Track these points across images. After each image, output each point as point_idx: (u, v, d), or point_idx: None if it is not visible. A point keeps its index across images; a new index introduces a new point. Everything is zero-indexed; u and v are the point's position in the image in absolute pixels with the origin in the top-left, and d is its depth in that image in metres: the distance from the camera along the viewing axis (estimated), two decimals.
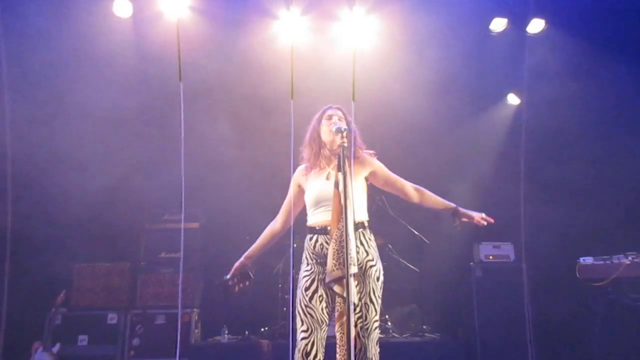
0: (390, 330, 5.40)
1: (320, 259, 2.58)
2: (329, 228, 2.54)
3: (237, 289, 2.73)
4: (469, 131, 5.99)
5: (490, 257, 5.41)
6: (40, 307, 5.29)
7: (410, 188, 2.82)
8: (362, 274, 2.57)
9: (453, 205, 2.88)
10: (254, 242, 2.90)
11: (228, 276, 2.68)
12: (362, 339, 2.49)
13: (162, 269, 5.61)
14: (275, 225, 2.79)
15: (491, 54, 5.47)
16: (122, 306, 5.50)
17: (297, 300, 2.60)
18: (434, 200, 2.86)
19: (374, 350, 2.52)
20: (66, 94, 5.23)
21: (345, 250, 2.24)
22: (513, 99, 6.18)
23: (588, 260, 4.69)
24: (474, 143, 5.94)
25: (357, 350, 2.49)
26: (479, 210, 5.61)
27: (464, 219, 2.84)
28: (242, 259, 2.76)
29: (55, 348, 5.14)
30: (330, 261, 2.46)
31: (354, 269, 2.40)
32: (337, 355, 2.40)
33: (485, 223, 2.91)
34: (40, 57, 4.91)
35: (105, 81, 5.12)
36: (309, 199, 2.71)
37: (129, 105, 5.16)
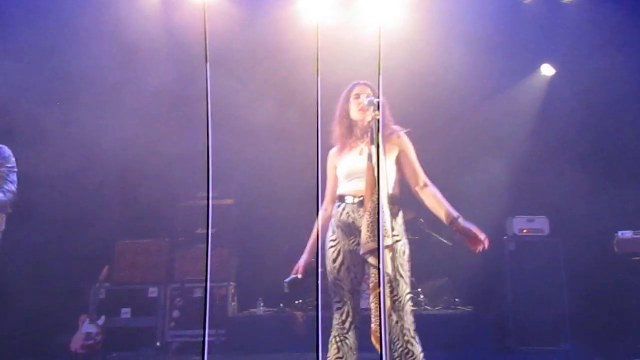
0: (423, 303, 5.45)
1: (346, 228, 2.62)
2: (356, 199, 2.58)
3: (305, 284, 2.80)
4: (501, 104, 5.88)
5: (524, 231, 5.36)
6: (85, 282, 5.56)
7: (420, 183, 2.73)
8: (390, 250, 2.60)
9: (455, 214, 2.67)
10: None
11: (299, 275, 2.74)
12: (398, 312, 2.54)
13: (198, 244, 5.79)
14: (326, 213, 2.81)
15: (524, 23, 5.33)
16: (162, 280, 5.72)
17: (327, 272, 2.66)
18: (437, 205, 2.71)
19: (409, 322, 2.57)
20: (98, 78, 5.35)
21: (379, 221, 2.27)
22: (547, 70, 6.02)
23: (627, 234, 4.60)
24: (506, 116, 5.84)
25: (391, 322, 2.54)
26: (513, 186, 5.60)
27: (461, 234, 2.66)
28: (305, 256, 2.79)
29: (101, 320, 5.40)
30: (364, 233, 2.50)
31: (388, 241, 2.45)
32: (372, 325, 2.46)
33: (479, 249, 2.64)
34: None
35: (134, 63, 5.22)
36: (341, 172, 2.74)
37: (158, 83, 5.26)
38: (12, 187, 3.13)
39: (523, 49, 5.60)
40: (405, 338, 2.54)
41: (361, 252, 2.53)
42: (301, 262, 2.78)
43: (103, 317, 5.41)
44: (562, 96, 5.81)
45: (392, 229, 2.61)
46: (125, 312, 5.59)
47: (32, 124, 5.00)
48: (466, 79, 5.49)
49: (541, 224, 5.36)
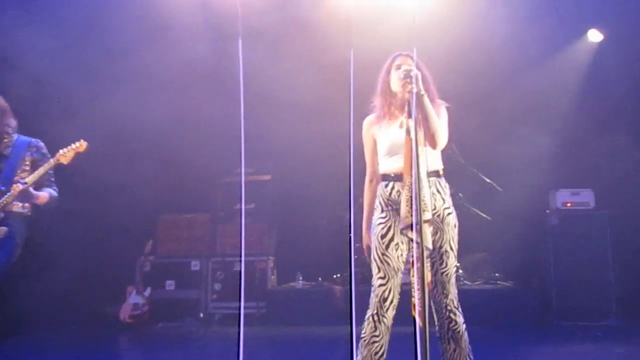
0: (462, 278, 5.41)
1: (396, 206, 2.60)
2: (403, 175, 2.56)
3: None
4: (545, 72, 5.64)
5: (568, 204, 5.20)
6: (131, 255, 5.79)
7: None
8: (441, 222, 2.58)
9: None
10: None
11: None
12: (444, 284, 2.56)
13: (238, 219, 5.90)
14: (372, 185, 2.80)
15: None
16: (204, 254, 5.88)
17: (373, 247, 2.64)
18: None
19: (454, 293, 2.59)
20: (136, 51, 5.39)
21: (418, 196, 2.25)
22: (594, 36, 5.72)
23: None
24: (550, 85, 5.61)
25: (436, 293, 2.57)
26: (557, 158, 5.41)
27: None
28: (365, 233, 2.78)
29: (147, 292, 5.63)
30: (403, 208, 2.50)
31: (427, 215, 2.43)
32: (413, 300, 2.47)
33: None
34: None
35: (169, 37, 5.23)
36: (382, 147, 2.71)
37: (195, 61, 5.29)
38: (57, 189, 3.25)
39: (568, 14, 5.32)
40: (449, 308, 2.56)
41: (400, 226, 2.52)
42: (368, 241, 2.73)
43: (149, 289, 5.65)
44: (610, 64, 5.52)
45: (443, 201, 2.59)
46: (170, 285, 5.80)
47: (67, 97, 5.10)
48: (508, 46, 5.28)
49: (587, 197, 5.20)
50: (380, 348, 2.56)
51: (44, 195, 3.12)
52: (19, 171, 3.07)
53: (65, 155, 3.12)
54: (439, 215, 2.58)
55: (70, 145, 3.15)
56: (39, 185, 3.13)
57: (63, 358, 4.31)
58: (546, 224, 5.20)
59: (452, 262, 2.59)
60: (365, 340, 2.57)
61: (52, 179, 3.22)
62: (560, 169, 5.48)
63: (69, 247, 5.42)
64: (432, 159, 2.60)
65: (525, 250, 5.56)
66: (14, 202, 3.05)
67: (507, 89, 5.66)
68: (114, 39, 5.23)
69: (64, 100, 5.00)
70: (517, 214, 5.56)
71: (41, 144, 3.23)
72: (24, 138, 3.19)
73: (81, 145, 3.17)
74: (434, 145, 2.59)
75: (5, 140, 3.14)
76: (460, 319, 2.57)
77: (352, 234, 2.65)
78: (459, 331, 2.55)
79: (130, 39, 5.28)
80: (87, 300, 5.54)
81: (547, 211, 5.26)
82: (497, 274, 5.55)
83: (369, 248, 2.74)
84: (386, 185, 2.66)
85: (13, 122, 3.20)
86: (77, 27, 5.05)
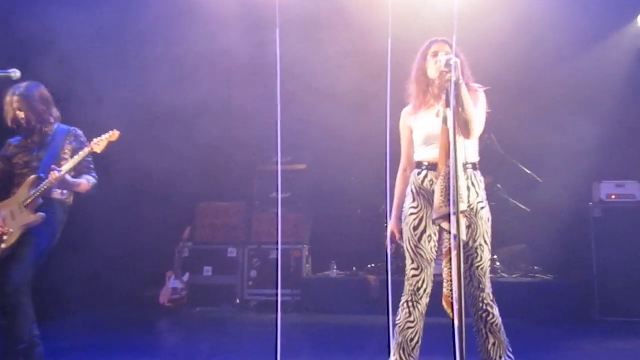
0: (499, 270, 5.32)
1: (428, 195, 2.57)
2: (438, 165, 2.52)
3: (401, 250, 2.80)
4: (592, 59, 5.42)
5: (613, 197, 5.02)
6: (171, 241, 5.93)
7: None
8: (475, 216, 2.54)
9: None
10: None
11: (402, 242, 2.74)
12: (480, 278, 2.52)
13: (273, 208, 5.96)
14: (405, 174, 2.77)
15: None
16: (240, 242, 5.98)
17: (406, 239, 2.62)
18: None
19: (489, 287, 2.55)
20: (172, 37, 5.44)
21: (455, 187, 2.22)
22: None
23: None
24: (597, 72, 5.39)
25: (472, 288, 2.53)
26: (602, 149, 5.22)
27: None
28: (394, 220, 2.75)
29: (185, 277, 5.77)
30: (437, 198, 2.46)
31: (463, 206, 2.40)
32: (444, 290, 2.45)
33: None
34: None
35: (206, 28, 5.27)
36: (418, 136, 2.67)
37: (232, 49, 5.31)
38: (96, 176, 3.31)
39: None
40: (486, 302, 2.53)
41: (434, 217, 2.50)
42: (394, 228, 2.71)
43: (187, 274, 5.79)
44: None
45: (477, 195, 2.55)
46: (207, 271, 5.93)
47: (103, 84, 5.17)
48: (553, 31, 5.10)
49: (632, 189, 5.01)
50: (415, 335, 2.56)
51: (83, 182, 3.19)
52: (59, 159, 3.14)
53: (99, 144, 3.16)
54: (472, 209, 2.53)
55: (103, 134, 3.19)
56: (78, 172, 3.20)
57: (106, 339, 4.47)
58: (589, 217, 5.04)
59: (487, 256, 2.55)
60: (400, 327, 2.57)
61: (92, 167, 3.28)
62: (605, 159, 5.28)
63: (110, 233, 5.60)
64: (469, 151, 2.56)
65: (567, 244, 5.40)
66: (54, 190, 3.13)
67: (551, 77, 5.48)
68: (146, 25, 5.26)
69: (100, 87, 5.07)
70: (558, 206, 5.41)
71: (79, 132, 3.29)
72: (63, 127, 3.26)
73: (114, 134, 3.21)
74: (467, 134, 2.51)
75: (47, 129, 3.22)
76: (496, 311, 2.54)
77: (388, 224, 2.62)
78: (496, 324, 2.53)
79: (166, 25, 5.32)
80: (128, 284, 5.73)
81: (590, 203, 5.09)
82: (536, 267, 5.42)
83: (393, 234, 2.72)
84: (419, 173, 2.62)
85: (56, 113, 3.28)
86: (111, 12, 5.08)
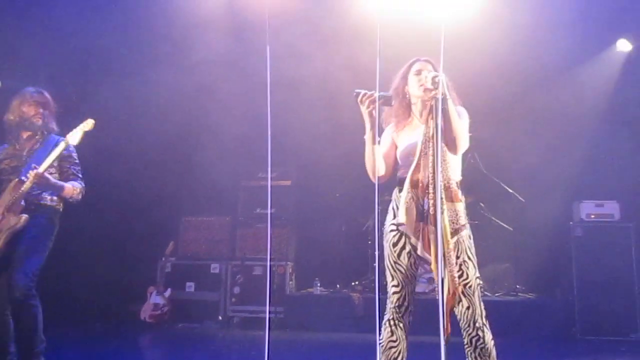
0: (482, 289, 5.33)
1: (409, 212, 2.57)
2: (419, 180, 2.51)
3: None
4: (572, 82, 5.56)
5: (592, 216, 5.12)
6: (154, 256, 5.86)
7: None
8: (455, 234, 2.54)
9: None
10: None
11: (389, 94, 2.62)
12: (469, 297, 2.46)
13: (257, 223, 5.94)
14: (379, 177, 2.72)
15: None
16: (224, 257, 5.92)
17: (386, 255, 2.60)
18: None
19: (480, 307, 2.48)
20: (157, 53, 5.43)
21: (440, 200, 2.21)
22: (624, 45, 5.62)
23: None
24: (577, 95, 5.52)
25: (462, 308, 2.47)
26: (582, 170, 5.32)
27: None
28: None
29: (167, 292, 5.69)
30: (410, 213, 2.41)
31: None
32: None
33: None
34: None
35: (195, 39, 5.27)
36: (401, 153, 2.67)
37: (219, 63, 5.32)
38: (82, 184, 3.30)
39: (596, 23, 5.24)
40: (477, 325, 2.46)
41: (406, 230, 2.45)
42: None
43: (169, 290, 5.71)
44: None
45: (457, 215, 2.55)
46: (190, 286, 5.85)
47: (85, 96, 5.14)
48: (534, 55, 5.23)
49: (611, 209, 5.11)
50: (399, 354, 2.52)
51: (67, 186, 3.18)
52: (45, 166, 3.12)
53: (74, 135, 3.15)
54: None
55: (79, 125, 3.18)
56: (64, 178, 3.20)
57: (85, 355, 4.38)
58: (570, 236, 5.12)
59: (472, 272, 2.49)
60: (383, 346, 2.54)
61: (80, 175, 3.28)
62: (585, 180, 5.39)
63: (92, 246, 5.52)
64: (452, 169, 2.53)
65: (548, 262, 5.47)
66: (43, 195, 3.13)
67: (533, 98, 5.60)
68: (127, 38, 5.26)
69: (82, 98, 5.05)
70: (540, 225, 5.48)
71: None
72: (55, 136, 3.27)
73: (87, 123, 3.19)
74: (455, 150, 2.50)
75: (37, 137, 3.25)
76: (488, 335, 2.47)
77: (377, 240, 2.58)
78: (486, 349, 2.46)
79: (146, 40, 5.31)
80: (109, 299, 5.63)
81: (571, 223, 5.17)
82: (518, 286, 5.47)
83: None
84: (400, 191, 2.62)
85: (53, 124, 3.29)
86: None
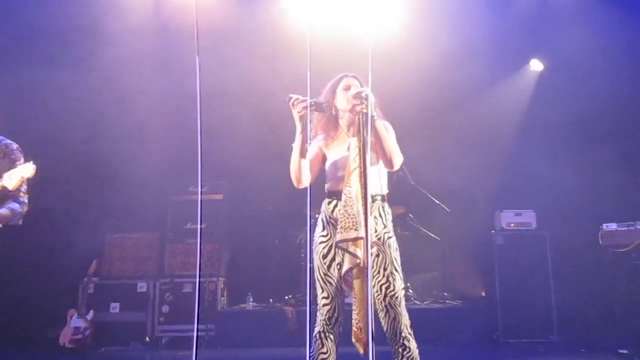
0: (412, 297, 5.48)
1: (337, 224, 2.59)
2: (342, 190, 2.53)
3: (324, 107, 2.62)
4: (490, 99, 5.90)
5: (512, 225, 5.40)
6: (74, 276, 5.52)
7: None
8: (382, 244, 2.58)
9: None
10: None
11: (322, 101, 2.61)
12: (395, 308, 2.51)
13: (188, 239, 5.77)
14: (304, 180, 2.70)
15: (512, 16, 5.33)
16: (151, 275, 5.69)
17: (316, 267, 2.62)
18: None
19: (406, 318, 2.55)
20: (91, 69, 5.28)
21: (366, 213, 2.24)
22: (536, 65, 6.04)
23: (611, 226, 4.61)
24: (494, 111, 5.86)
25: (388, 319, 2.52)
26: (502, 179, 5.64)
27: None
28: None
29: (90, 315, 5.37)
30: (340, 223, 2.42)
31: (362, 233, 2.37)
32: (353, 328, 2.41)
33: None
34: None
35: (126, 56, 5.16)
36: (329, 167, 2.69)
37: (146, 74, 5.20)
38: (26, 200, 3.04)
39: (511, 44, 5.62)
40: (403, 334, 2.52)
41: (336, 239, 2.44)
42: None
43: (92, 312, 5.39)
44: (551, 91, 5.84)
45: (384, 226, 2.60)
46: (115, 307, 5.56)
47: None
48: (454, 74, 5.50)
49: (529, 217, 5.40)
50: None
51: (2, 212, 2.96)
52: None
53: (11, 177, 2.91)
54: (379, 238, 2.57)
55: (18, 164, 2.96)
56: (1, 199, 2.95)
57: None
58: (492, 244, 5.37)
59: (399, 284, 2.55)
60: (314, 358, 2.54)
61: (22, 191, 3.03)
62: (505, 190, 5.70)
63: (9, 266, 5.12)
64: (379, 183, 2.60)
65: (474, 269, 5.72)
66: None
67: (456, 114, 5.88)
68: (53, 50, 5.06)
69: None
70: (466, 234, 5.73)
71: (12, 145, 3.05)
72: None
73: (27, 168, 2.95)
74: (391, 165, 2.58)
75: None
76: (413, 345, 2.54)
77: (309, 253, 2.57)
78: (413, 357, 2.53)
79: (76, 51, 5.13)
80: (26, 324, 5.24)
81: (493, 231, 5.43)
82: (446, 293, 5.66)
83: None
84: (329, 203, 2.63)
85: None
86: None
